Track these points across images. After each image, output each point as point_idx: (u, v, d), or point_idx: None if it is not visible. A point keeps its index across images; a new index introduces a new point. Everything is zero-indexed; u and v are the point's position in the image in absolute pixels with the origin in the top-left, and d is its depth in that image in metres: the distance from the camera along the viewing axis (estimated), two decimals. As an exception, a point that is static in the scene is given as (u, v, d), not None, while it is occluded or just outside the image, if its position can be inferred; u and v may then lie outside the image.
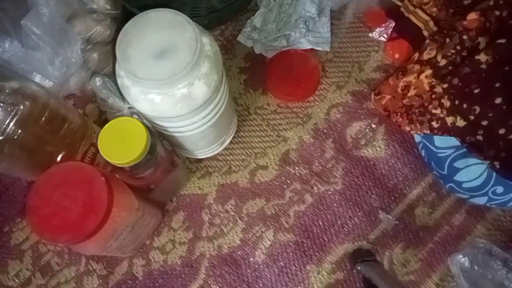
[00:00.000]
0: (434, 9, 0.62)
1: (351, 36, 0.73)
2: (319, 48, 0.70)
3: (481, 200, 0.58)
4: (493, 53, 0.50)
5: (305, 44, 0.70)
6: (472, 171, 0.55)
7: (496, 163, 0.52)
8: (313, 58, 0.69)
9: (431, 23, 0.62)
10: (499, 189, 0.54)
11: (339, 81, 0.70)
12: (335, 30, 0.73)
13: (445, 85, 0.54)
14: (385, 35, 0.71)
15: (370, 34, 0.72)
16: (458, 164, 0.56)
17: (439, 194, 0.63)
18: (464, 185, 0.57)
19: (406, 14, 0.67)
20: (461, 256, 0.57)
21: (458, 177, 0.57)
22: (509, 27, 0.50)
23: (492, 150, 0.52)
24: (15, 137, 0.46)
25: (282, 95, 0.69)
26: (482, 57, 0.50)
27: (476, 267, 0.56)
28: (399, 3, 0.69)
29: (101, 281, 0.62)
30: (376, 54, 0.71)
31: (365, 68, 0.71)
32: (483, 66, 0.51)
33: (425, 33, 0.63)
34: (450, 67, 0.54)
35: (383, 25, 0.71)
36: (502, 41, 0.50)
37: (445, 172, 0.58)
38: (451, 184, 0.59)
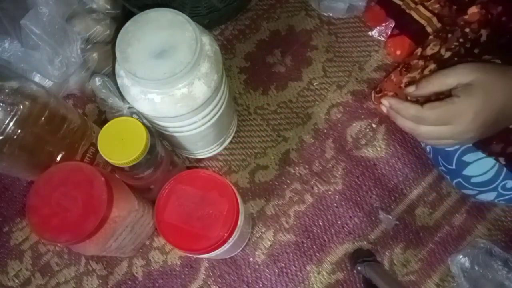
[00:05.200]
0: (437, 6, 0.62)
1: (351, 35, 0.73)
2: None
3: (489, 196, 0.56)
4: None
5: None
6: (483, 165, 0.54)
7: (501, 159, 0.51)
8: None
9: (435, 20, 0.62)
10: (509, 184, 0.53)
11: (340, 81, 0.70)
12: (335, 30, 0.73)
13: None
14: (384, 35, 0.71)
15: (370, 34, 0.72)
16: (467, 158, 0.55)
17: (440, 194, 0.63)
18: (473, 179, 0.55)
19: (408, 11, 0.66)
20: (461, 256, 0.57)
21: (467, 171, 0.55)
22: (504, 25, 0.50)
23: (500, 144, 0.51)
24: (15, 137, 0.46)
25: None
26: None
27: (476, 267, 0.56)
28: (399, 2, 0.69)
29: (100, 281, 0.62)
30: (377, 54, 0.71)
31: (366, 67, 0.70)
32: None
33: (429, 29, 0.63)
34: (455, 58, 0.53)
35: (383, 24, 0.70)
36: (488, 57, 0.50)
37: (453, 167, 0.57)
38: (459, 180, 0.57)
